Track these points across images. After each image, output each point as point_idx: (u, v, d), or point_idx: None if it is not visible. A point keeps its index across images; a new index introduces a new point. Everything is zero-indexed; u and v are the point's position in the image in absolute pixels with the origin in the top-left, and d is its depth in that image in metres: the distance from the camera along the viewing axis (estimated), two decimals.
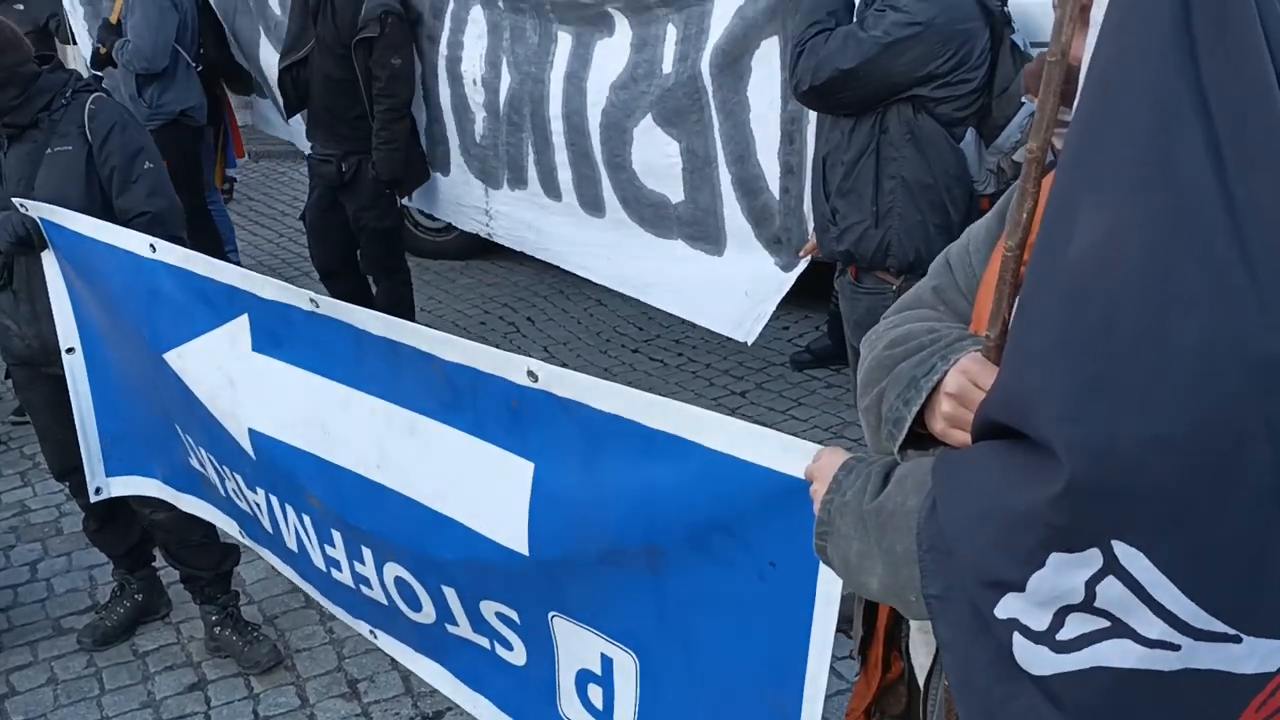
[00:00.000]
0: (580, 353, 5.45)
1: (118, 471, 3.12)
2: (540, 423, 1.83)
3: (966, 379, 1.20)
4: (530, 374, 1.81)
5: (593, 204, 4.22)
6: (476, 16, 4.36)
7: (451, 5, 4.47)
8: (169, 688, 3.13)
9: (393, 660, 3.14)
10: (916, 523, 1.14)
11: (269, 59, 5.70)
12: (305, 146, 5.86)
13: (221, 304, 2.45)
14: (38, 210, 2.87)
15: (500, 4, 4.21)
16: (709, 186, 3.79)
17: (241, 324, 2.42)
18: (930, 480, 1.14)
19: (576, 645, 1.92)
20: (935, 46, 2.77)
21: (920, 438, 1.29)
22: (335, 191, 4.85)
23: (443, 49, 4.56)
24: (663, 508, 1.66)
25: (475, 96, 4.46)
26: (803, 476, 1.43)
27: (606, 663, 1.87)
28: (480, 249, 6.70)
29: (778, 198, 3.61)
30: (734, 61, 3.36)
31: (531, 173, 4.43)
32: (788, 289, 3.82)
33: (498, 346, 1.97)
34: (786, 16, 3.15)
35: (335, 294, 5.16)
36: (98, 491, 3.11)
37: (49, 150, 3.00)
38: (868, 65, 2.77)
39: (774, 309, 3.88)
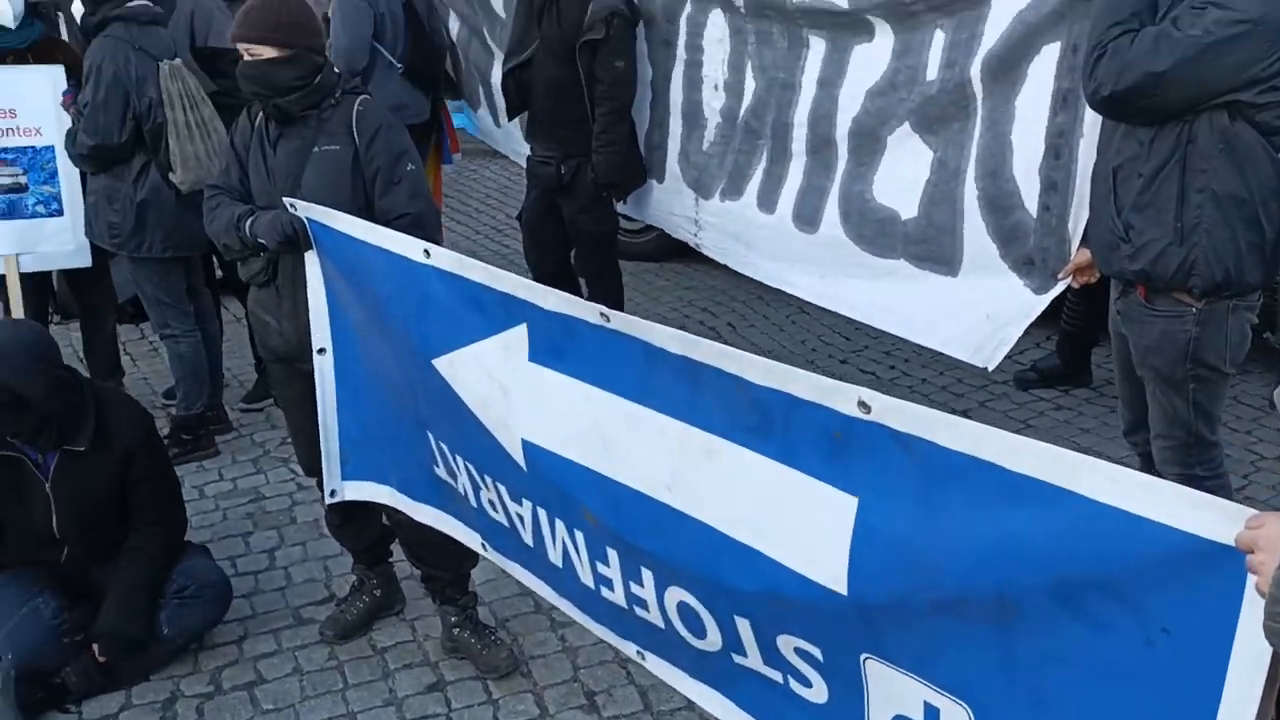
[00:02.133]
0: (785, 362, 5.31)
1: (354, 476, 3.15)
2: (868, 456, 1.72)
3: None
4: (862, 404, 1.70)
5: (808, 219, 4.07)
6: (716, 20, 4.27)
7: (688, 8, 4.39)
8: (409, 686, 3.16)
9: (629, 673, 3.12)
10: None
11: (487, 60, 5.78)
12: (514, 153, 5.93)
13: (497, 312, 2.42)
14: (306, 210, 2.91)
15: (741, 9, 4.11)
16: (949, 203, 3.60)
17: (519, 333, 2.38)
18: None
19: (894, 690, 1.80)
20: (1263, 47, 2.53)
21: None
22: (553, 194, 4.86)
23: (680, 53, 4.49)
24: (1022, 558, 1.53)
25: (713, 102, 4.37)
26: (1226, 541, 1.28)
27: (931, 711, 1.75)
28: (677, 250, 6.63)
29: (1034, 215, 3.40)
30: (1010, 69, 3.17)
31: (752, 183, 4.31)
32: (1038, 313, 3.60)
33: None
34: (1075, 20, 2.95)
35: None
36: (332, 494, 3.16)
37: (316, 149, 3.07)
38: (1183, 68, 2.55)
39: (1020, 334, 3.67)
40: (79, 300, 4.99)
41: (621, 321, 2.13)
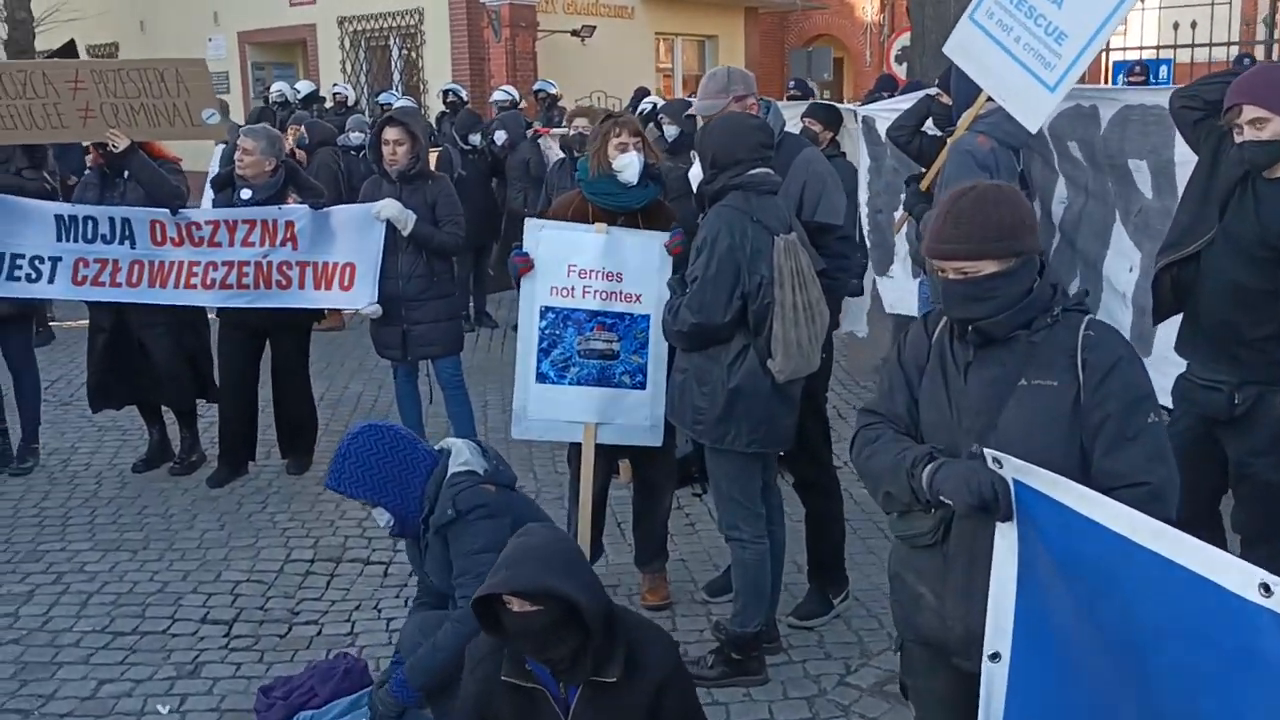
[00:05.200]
0: None
1: None
2: None
3: None
4: None
5: None
6: None
7: None
8: None
9: None
10: None
11: (1098, 249, 4.90)
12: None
13: None
14: (1016, 471, 2.16)
15: None
16: None
17: None
18: None
19: None
20: None
21: None
22: (1214, 425, 3.81)
23: None
24: None
25: None
26: None
27: None
28: None
29: None
30: None
31: None
32: None
33: None
34: None
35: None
36: None
37: (1023, 382, 2.34)
38: None
39: None
40: (636, 471, 4.67)
41: None
